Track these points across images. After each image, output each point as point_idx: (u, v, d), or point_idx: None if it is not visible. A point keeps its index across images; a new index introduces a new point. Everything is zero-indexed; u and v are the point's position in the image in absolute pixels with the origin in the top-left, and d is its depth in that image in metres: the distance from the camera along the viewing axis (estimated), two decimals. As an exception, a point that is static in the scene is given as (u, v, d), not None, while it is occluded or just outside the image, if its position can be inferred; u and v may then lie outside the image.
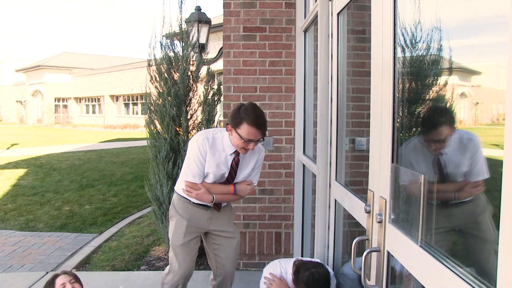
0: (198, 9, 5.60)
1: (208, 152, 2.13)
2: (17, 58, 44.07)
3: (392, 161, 1.34)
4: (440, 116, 1.11)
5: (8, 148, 14.02)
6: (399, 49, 1.34)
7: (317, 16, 2.36)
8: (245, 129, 2.02)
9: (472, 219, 1.16)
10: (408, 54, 1.37)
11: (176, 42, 3.83)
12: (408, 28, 1.32)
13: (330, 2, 2.20)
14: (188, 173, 2.18)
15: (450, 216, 1.27)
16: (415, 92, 1.41)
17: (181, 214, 2.28)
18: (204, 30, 5.56)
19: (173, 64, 3.67)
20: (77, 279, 2.28)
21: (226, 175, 2.21)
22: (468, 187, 1.10)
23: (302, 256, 3.38)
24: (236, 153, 2.17)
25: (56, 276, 2.26)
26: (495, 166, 0.96)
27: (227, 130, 2.13)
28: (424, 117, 1.21)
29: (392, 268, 1.41)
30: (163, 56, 3.68)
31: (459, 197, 1.14)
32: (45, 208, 5.89)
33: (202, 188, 2.17)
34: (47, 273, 3.44)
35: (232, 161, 2.19)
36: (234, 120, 2.06)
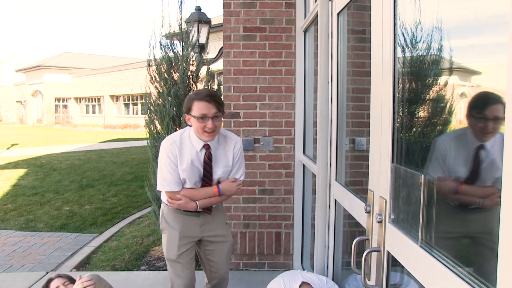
0: (198, 9, 5.60)
1: (179, 156, 2.06)
2: (17, 58, 44.13)
3: (392, 161, 1.34)
4: (494, 95, 1.05)
5: (8, 148, 14.02)
6: (399, 49, 1.34)
7: (317, 16, 2.36)
8: (196, 107, 1.97)
9: (488, 230, 1.13)
10: (408, 54, 1.37)
11: (176, 42, 3.83)
12: (408, 28, 1.32)
13: (330, 2, 2.20)
14: (163, 183, 2.10)
15: (463, 221, 1.24)
16: (415, 92, 1.41)
17: (172, 225, 2.20)
18: (204, 30, 5.56)
19: (173, 64, 3.67)
20: (71, 281, 2.28)
21: (202, 171, 2.11)
22: (495, 196, 1.06)
23: (302, 257, 3.38)
24: (206, 147, 2.09)
25: (50, 280, 2.27)
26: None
27: (187, 122, 2.08)
28: (477, 98, 1.13)
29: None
30: (163, 56, 3.68)
31: (483, 204, 1.10)
32: (45, 208, 5.89)
33: (183, 198, 2.10)
34: (47, 273, 3.44)
35: (204, 156, 2.09)
36: (187, 106, 2.03)
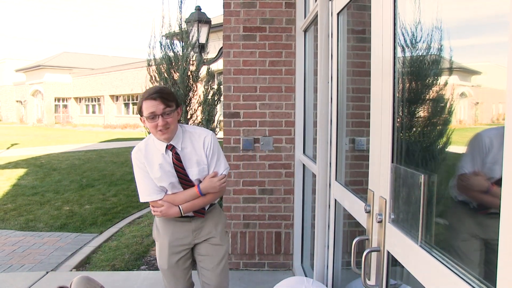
0: (198, 9, 5.59)
1: (146, 162, 1.99)
2: (17, 58, 44.14)
3: (392, 161, 1.34)
4: None
5: (8, 148, 14.02)
6: (399, 49, 1.34)
7: (317, 16, 2.36)
8: (144, 107, 1.91)
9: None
10: (408, 54, 1.37)
11: (176, 42, 3.83)
12: (408, 28, 1.32)
13: (330, 2, 2.20)
14: (142, 194, 2.03)
15: (473, 223, 1.20)
16: (415, 92, 1.41)
17: (162, 234, 2.12)
18: (204, 30, 5.55)
19: (173, 64, 3.67)
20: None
21: (175, 174, 2.01)
22: None
23: (302, 257, 3.38)
24: (170, 148, 1.99)
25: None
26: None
27: (143, 124, 2.05)
28: None
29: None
30: (163, 56, 3.68)
31: None
32: (45, 208, 5.89)
33: (164, 204, 2.01)
34: (47, 273, 3.44)
35: (172, 158, 1.99)
36: (138, 108, 1.97)
